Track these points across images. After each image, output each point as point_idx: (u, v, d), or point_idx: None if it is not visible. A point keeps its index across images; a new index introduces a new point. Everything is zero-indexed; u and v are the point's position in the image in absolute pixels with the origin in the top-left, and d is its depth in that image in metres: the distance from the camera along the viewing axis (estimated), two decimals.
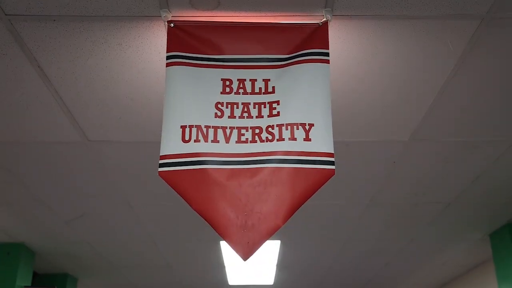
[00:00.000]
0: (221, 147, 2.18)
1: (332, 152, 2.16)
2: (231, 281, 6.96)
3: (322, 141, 2.17)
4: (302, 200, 2.15)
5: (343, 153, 3.37)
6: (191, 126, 2.18)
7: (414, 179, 3.75)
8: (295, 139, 2.16)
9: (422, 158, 3.45)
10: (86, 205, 4.14)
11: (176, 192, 2.29)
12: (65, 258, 5.60)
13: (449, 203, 4.16)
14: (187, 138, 2.16)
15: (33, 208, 4.18)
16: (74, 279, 6.40)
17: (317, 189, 2.15)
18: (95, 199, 4.03)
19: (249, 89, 2.25)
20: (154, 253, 5.56)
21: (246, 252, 2.10)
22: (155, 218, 4.48)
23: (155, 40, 2.36)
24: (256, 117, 2.22)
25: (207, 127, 2.19)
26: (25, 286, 4.95)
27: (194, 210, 2.15)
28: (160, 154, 2.16)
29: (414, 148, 3.31)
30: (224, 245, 5.36)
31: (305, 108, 2.19)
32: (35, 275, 6.11)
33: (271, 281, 6.98)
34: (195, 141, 2.16)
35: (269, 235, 2.12)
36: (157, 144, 3.10)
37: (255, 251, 2.10)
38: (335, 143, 3.18)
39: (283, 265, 6.14)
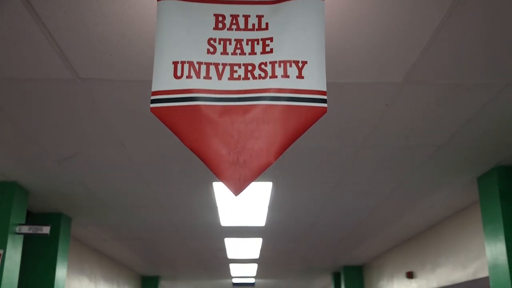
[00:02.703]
0: (213, 83, 2.17)
1: (325, 90, 2.15)
2: (223, 222, 7.08)
3: (315, 79, 2.16)
4: (294, 138, 2.16)
5: (337, 95, 3.36)
6: (183, 62, 2.16)
7: (406, 122, 3.77)
8: (288, 77, 2.15)
9: (414, 101, 3.45)
10: (79, 144, 4.14)
11: (168, 129, 2.29)
12: (58, 197, 5.65)
13: (440, 146, 4.20)
14: (179, 74, 2.15)
15: (25, 146, 4.18)
16: (68, 218, 6.49)
17: (309, 127, 2.16)
18: (87, 139, 4.03)
19: (242, 25, 2.22)
20: (147, 194, 5.63)
21: (237, 188, 2.13)
22: (148, 158, 4.50)
23: None
24: (249, 53, 2.20)
25: (199, 63, 2.17)
26: (19, 224, 5.02)
27: (187, 146, 2.15)
28: (152, 90, 2.15)
29: (407, 90, 3.31)
30: (216, 187, 5.42)
31: (299, 46, 2.17)
32: (29, 214, 6.19)
33: (262, 223, 7.11)
34: (187, 77, 2.15)
35: (261, 172, 2.14)
36: (150, 83, 3.10)
37: (246, 187, 2.13)
38: (328, 84, 3.20)
39: (274, 206, 6.24)
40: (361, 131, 3.93)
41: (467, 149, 4.27)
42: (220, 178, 2.13)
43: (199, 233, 7.80)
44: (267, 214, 6.65)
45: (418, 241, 7.79)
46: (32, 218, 6.17)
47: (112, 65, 3.00)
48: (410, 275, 8.00)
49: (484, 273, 5.61)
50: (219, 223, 7.15)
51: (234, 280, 14.30)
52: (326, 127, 3.85)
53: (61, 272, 6.21)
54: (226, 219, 6.87)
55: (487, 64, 3.02)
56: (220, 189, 5.52)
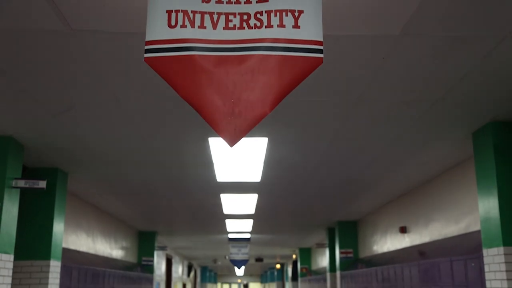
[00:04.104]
0: (208, 33, 2.14)
1: (321, 40, 2.12)
2: (219, 178, 7.13)
3: (311, 29, 2.13)
4: (290, 88, 2.15)
5: (333, 48, 3.33)
6: (177, 11, 2.12)
7: (402, 76, 3.75)
8: (283, 26, 2.11)
9: (411, 54, 3.42)
10: (73, 98, 4.11)
11: (164, 82, 2.26)
12: (54, 152, 5.65)
13: (436, 101, 4.19)
14: (173, 23, 2.11)
15: (19, 100, 4.15)
16: (65, 173, 6.52)
17: (305, 77, 2.14)
18: (81, 92, 4.00)
19: None
20: (143, 150, 5.63)
21: (233, 139, 2.13)
22: (143, 113, 4.48)
23: None
24: (244, 2, 2.16)
25: (194, 12, 2.13)
26: (15, 178, 5.03)
27: (181, 97, 2.14)
28: (146, 40, 2.12)
29: (403, 43, 3.27)
30: (212, 143, 5.43)
31: None
32: (25, 169, 6.20)
33: (258, 178, 7.16)
34: (181, 26, 2.11)
35: (256, 123, 2.14)
36: (143, 35, 3.04)
37: (241, 138, 2.13)
38: (324, 37, 3.15)
39: (270, 162, 6.26)
40: (357, 85, 3.91)
41: (463, 104, 4.27)
42: (215, 129, 2.13)
43: (195, 188, 7.86)
44: (263, 170, 6.68)
45: (411, 197, 7.89)
46: (28, 173, 6.19)
47: (105, 16, 2.94)
48: (403, 230, 8.13)
49: (476, 227, 5.71)
50: (215, 179, 7.19)
51: (230, 236, 14.51)
52: (322, 81, 3.82)
53: (58, 226, 6.28)
54: (222, 174, 6.91)
55: (484, 16, 2.98)
56: (216, 145, 5.52)
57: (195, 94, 2.14)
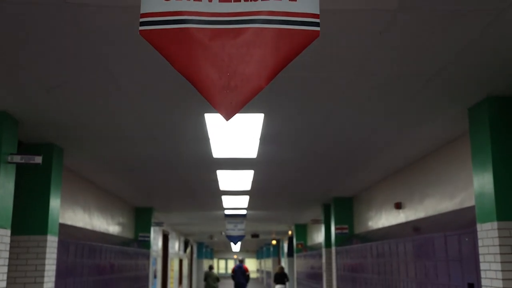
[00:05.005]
0: (204, 5, 2.12)
1: (318, 13, 2.11)
2: (215, 154, 7.14)
3: (307, 2, 2.11)
4: (285, 62, 2.14)
5: (330, 22, 3.30)
6: None
7: (399, 51, 3.73)
8: None
9: (408, 28, 3.40)
10: (67, 72, 4.09)
11: (159, 56, 2.25)
12: (49, 127, 5.64)
13: (433, 75, 4.18)
14: None
15: (13, 74, 4.12)
16: (60, 149, 6.51)
17: (301, 51, 2.13)
18: (75, 66, 3.97)
19: None
20: (139, 125, 5.62)
21: (228, 112, 2.12)
22: (139, 88, 4.46)
23: None
24: None
25: None
26: (10, 154, 5.03)
27: (177, 70, 2.13)
28: (141, 12, 2.10)
29: (401, 17, 3.25)
30: (208, 118, 5.42)
31: None
32: (20, 144, 6.19)
33: (254, 155, 7.17)
34: None
35: (252, 96, 2.13)
36: (139, 8, 3.01)
37: (237, 111, 2.12)
38: (321, 11, 3.13)
39: (266, 138, 6.27)
40: (354, 60, 3.89)
41: (459, 79, 4.26)
42: (211, 102, 2.12)
43: (192, 165, 7.88)
44: (259, 146, 6.69)
45: (407, 173, 7.93)
46: (23, 148, 6.18)
47: None
48: (398, 206, 8.18)
49: (470, 203, 5.75)
50: (211, 155, 7.20)
51: (226, 212, 14.60)
52: (318, 56, 3.81)
53: (55, 202, 6.30)
54: (218, 151, 6.92)
55: None
56: (212, 121, 5.51)
57: (190, 67, 2.12)
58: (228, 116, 2.11)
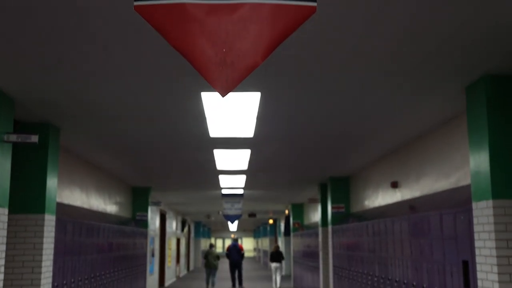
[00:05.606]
0: None
1: None
2: (212, 133, 7.13)
3: None
4: (282, 38, 2.12)
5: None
6: None
7: (398, 27, 3.70)
8: None
9: (406, 4, 3.37)
10: (62, 50, 4.05)
11: (154, 29, 2.22)
12: (45, 106, 5.61)
13: (431, 53, 4.16)
14: None
15: (7, 52, 4.09)
16: (57, 128, 6.50)
17: (298, 27, 2.12)
18: (70, 44, 3.94)
19: None
20: (135, 104, 5.60)
21: (224, 89, 2.12)
22: (135, 66, 4.43)
23: None
24: None
25: None
26: (7, 133, 5.01)
27: (173, 46, 2.11)
28: None
29: None
30: (205, 97, 5.40)
31: None
32: (17, 123, 6.17)
33: (251, 134, 7.17)
34: None
35: (248, 73, 2.13)
36: None
37: (233, 88, 2.12)
38: None
39: (262, 117, 6.26)
40: (352, 36, 3.87)
41: (457, 57, 4.25)
42: (207, 79, 2.11)
43: (188, 144, 7.88)
44: (255, 125, 6.69)
45: (403, 152, 7.95)
46: (19, 127, 6.17)
47: None
48: (394, 185, 8.22)
49: (466, 181, 5.78)
50: (208, 134, 7.20)
51: (223, 191, 14.64)
52: (315, 33, 3.78)
53: (52, 181, 6.31)
54: (214, 130, 6.91)
55: None
56: (208, 100, 5.50)
57: (186, 44, 2.11)
58: (224, 93, 2.11)
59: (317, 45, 3.99)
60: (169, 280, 21.56)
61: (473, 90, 4.81)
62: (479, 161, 4.69)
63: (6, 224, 5.03)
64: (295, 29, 2.12)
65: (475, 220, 4.73)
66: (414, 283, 6.37)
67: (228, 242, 63.13)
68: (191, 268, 33.50)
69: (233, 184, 13.17)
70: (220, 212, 22.50)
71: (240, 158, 9.21)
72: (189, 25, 2.09)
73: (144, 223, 13.57)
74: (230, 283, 20.90)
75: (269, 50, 2.11)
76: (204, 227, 41.90)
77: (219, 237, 62.61)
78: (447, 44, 3.97)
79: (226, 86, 2.09)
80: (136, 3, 2.07)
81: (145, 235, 13.54)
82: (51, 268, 6.23)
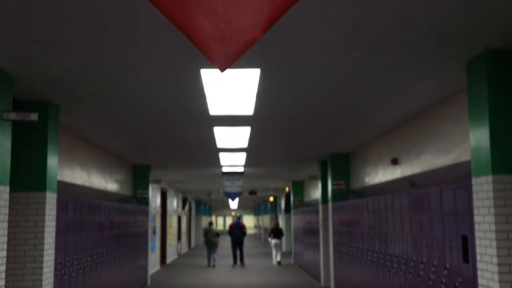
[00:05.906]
0: None
1: None
2: (212, 111, 7.12)
3: None
4: (281, 12, 2.10)
5: None
6: None
7: (397, 2, 3.67)
8: None
9: None
10: (61, 28, 4.02)
11: (152, 4, 2.20)
12: (45, 85, 5.60)
13: (432, 28, 4.13)
14: None
15: (5, 30, 4.06)
16: (56, 107, 6.49)
17: (296, 1, 2.09)
18: (69, 22, 3.91)
19: None
20: (134, 82, 5.58)
21: (223, 64, 2.10)
22: (134, 44, 4.40)
23: None
24: None
25: None
26: (6, 111, 5.01)
27: (171, 22, 2.09)
28: None
29: None
30: (204, 74, 5.38)
31: None
32: (16, 102, 6.16)
33: (251, 111, 7.16)
34: None
35: (247, 48, 2.11)
36: None
37: (232, 63, 2.10)
38: None
39: (262, 94, 6.24)
40: (351, 12, 3.83)
41: (458, 33, 4.22)
42: (205, 54, 2.10)
43: (188, 122, 7.87)
44: (255, 103, 6.67)
45: (403, 129, 7.94)
46: (18, 105, 6.16)
47: None
48: (394, 162, 8.24)
49: (466, 157, 5.79)
50: (208, 112, 7.19)
51: (224, 169, 14.68)
52: (315, 8, 3.74)
53: (52, 159, 6.32)
54: (214, 107, 6.90)
55: None
56: (208, 77, 5.47)
57: (184, 19, 2.09)
58: (222, 68, 2.10)
59: (317, 20, 3.96)
60: (170, 257, 21.77)
61: (474, 66, 4.79)
62: (479, 137, 4.68)
63: (7, 202, 5.05)
64: (293, 3, 2.10)
65: (474, 196, 4.75)
66: (414, 258, 6.42)
67: (229, 220, 63.57)
68: (192, 245, 33.79)
69: (233, 162, 13.20)
70: (221, 190, 22.60)
71: (240, 136, 9.21)
72: (187, 1, 2.06)
73: (145, 201, 13.65)
74: (231, 260, 21.09)
75: (268, 24, 2.09)
76: (205, 205, 42.14)
77: (220, 215, 63.02)
78: (448, 19, 3.94)
79: (225, 61, 2.08)
80: None
81: (146, 213, 13.62)
82: (53, 246, 6.28)
